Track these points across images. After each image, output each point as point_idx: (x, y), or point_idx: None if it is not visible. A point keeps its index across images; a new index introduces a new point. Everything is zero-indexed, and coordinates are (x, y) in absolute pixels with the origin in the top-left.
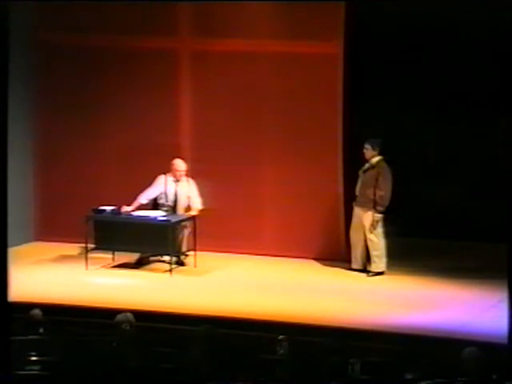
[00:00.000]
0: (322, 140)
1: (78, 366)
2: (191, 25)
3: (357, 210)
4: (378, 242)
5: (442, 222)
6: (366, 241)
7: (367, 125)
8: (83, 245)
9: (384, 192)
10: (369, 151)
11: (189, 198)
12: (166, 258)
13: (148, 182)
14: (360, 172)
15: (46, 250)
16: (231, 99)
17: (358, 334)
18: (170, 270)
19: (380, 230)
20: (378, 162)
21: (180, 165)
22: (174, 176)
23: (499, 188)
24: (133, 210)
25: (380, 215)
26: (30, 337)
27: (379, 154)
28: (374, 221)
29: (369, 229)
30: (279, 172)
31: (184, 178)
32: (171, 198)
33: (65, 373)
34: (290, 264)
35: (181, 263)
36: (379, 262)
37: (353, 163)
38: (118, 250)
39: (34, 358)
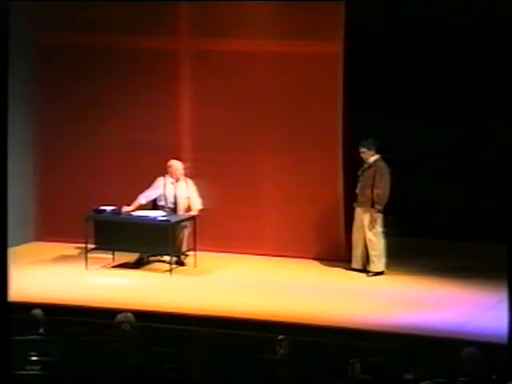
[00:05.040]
0: (322, 140)
1: (78, 365)
2: (191, 25)
3: (357, 211)
4: (377, 241)
5: (442, 221)
6: (365, 240)
7: (367, 125)
8: (83, 245)
9: (381, 190)
10: (365, 153)
11: (188, 198)
12: (166, 257)
13: (148, 182)
14: (359, 172)
15: (46, 250)
16: (231, 99)
17: (358, 334)
18: (170, 270)
19: (379, 229)
20: (375, 161)
21: (177, 164)
22: (173, 177)
23: (499, 188)
24: (133, 210)
25: (379, 214)
26: (30, 337)
27: (377, 153)
28: (372, 219)
29: (368, 227)
30: (279, 172)
31: (182, 179)
32: (171, 199)
33: (65, 373)
34: (290, 264)
35: (181, 263)
36: (378, 262)
37: (353, 163)
38: (118, 250)
39: (34, 358)
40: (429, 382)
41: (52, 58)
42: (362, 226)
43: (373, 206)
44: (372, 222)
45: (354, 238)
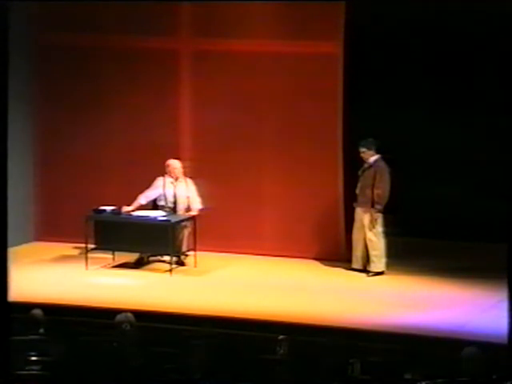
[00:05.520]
0: (322, 140)
1: (78, 366)
2: (191, 25)
3: (357, 210)
4: (377, 241)
5: (442, 221)
6: (366, 240)
7: (367, 124)
8: (83, 245)
9: (381, 190)
10: (365, 153)
11: (188, 198)
12: (166, 257)
13: (148, 182)
14: (359, 172)
15: (46, 250)
16: (231, 99)
17: (358, 334)
18: (170, 270)
19: (379, 229)
20: (375, 160)
21: (175, 163)
22: (172, 176)
23: (499, 188)
24: (133, 210)
25: (379, 214)
26: (30, 337)
27: (377, 153)
28: (372, 219)
29: (368, 227)
30: (279, 172)
31: (182, 179)
32: (170, 199)
33: (65, 373)
34: (290, 264)
35: (181, 263)
36: (378, 262)
37: (353, 163)
38: (118, 250)
39: (34, 358)
40: (428, 382)
41: (52, 57)
42: (362, 226)
43: (373, 206)
44: (372, 222)
45: (354, 238)
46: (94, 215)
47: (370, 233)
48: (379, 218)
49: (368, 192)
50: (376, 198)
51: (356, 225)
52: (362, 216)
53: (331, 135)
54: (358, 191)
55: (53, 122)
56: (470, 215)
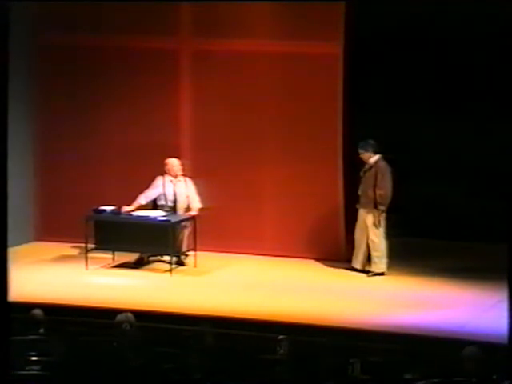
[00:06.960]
0: (322, 140)
1: (78, 366)
2: (192, 25)
3: (360, 211)
4: (379, 242)
5: (442, 222)
6: (368, 241)
7: (367, 125)
8: (83, 245)
9: (384, 190)
10: (364, 155)
11: (188, 197)
12: (166, 257)
13: (148, 182)
14: (361, 173)
15: (46, 250)
16: (231, 99)
17: (358, 334)
18: (170, 270)
19: (382, 230)
20: (376, 161)
21: (173, 161)
22: (171, 174)
23: (499, 188)
24: (133, 210)
25: (382, 214)
26: (30, 337)
27: (377, 153)
28: (376, 219)
29: (371, 227)
30: (279, 172)
31: (181, 178)
32: (170, 198)
33: (65, 373)
34: (290, 264)
35: (181, 263)
36: (380, 263)
37: (353, 163)
38: (118, 250)
39: (34, 358)
40: (424, 381)
41: (52, 57)
42: (366, 227)
43: (376, 207)
44: (375, 223)
45: (356, 239)
46: (93, 215)
47: (373, 234)
48: (383, 218)
49: (370, 193)
50: (379, 199)
51: (359, 225)
52: (365, 217)
53: (331, 135)
54: (360, 192)
55: (53, 122)
56: (470, 215)
